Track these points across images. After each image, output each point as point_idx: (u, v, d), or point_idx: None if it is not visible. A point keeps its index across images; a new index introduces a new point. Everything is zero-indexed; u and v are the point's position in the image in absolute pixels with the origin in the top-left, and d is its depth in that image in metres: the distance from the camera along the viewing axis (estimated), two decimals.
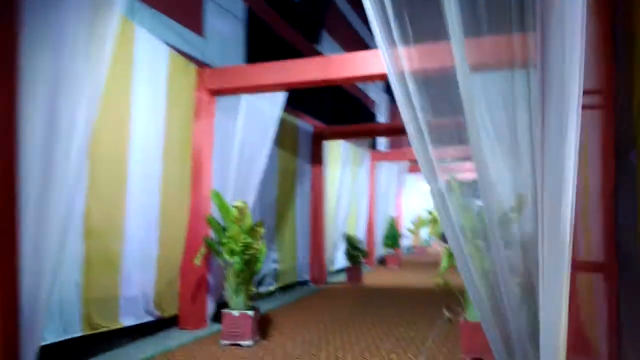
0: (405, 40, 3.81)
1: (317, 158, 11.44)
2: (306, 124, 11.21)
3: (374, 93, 20.25)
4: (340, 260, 12.81)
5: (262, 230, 6.05)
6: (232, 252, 6.04)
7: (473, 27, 3.58)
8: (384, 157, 15.87)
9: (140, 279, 6.05)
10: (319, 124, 11.72)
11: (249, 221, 6.18)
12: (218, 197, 6.44)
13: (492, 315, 3.77)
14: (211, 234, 6.72)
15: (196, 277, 6.76)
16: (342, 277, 12.24)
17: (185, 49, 7.61)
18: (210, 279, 6.98)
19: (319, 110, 12.17)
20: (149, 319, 6.14)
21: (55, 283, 4.24)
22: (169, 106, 6.53)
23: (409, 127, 3.93)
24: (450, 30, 3.49)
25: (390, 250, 15.25)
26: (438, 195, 3.89)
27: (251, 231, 6.01)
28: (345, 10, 17.20)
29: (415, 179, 19.31)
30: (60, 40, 4.14)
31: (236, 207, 6.15)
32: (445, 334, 6.34)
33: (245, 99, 7.43)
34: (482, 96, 3.78)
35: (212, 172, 7.22)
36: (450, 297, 5.78)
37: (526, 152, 3.62)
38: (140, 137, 5.98)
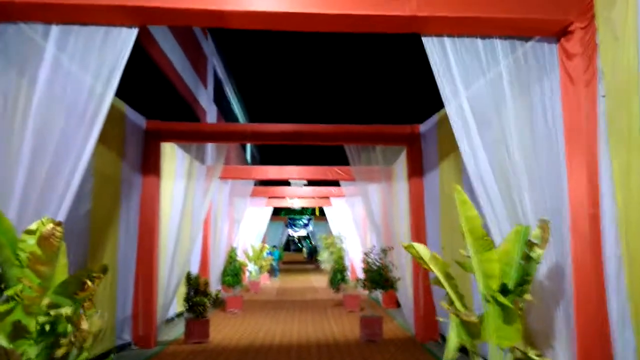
0: None
1: (150, 164, 8.11)
2: (136, 115, 7.86)
3: (205, 102, 17.38)
4: (173, 306, 9.49)
5: (94, 287, 2.84)
6: (19, 333, 2.69)
7: None
8: (229, 174, 12.96)
9: None
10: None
11: (63, 265, 2.90)
12: None
13: None
14: None
15: None
16: (177, 331, 8.93)
17: None
18: None
19: (143, 108, 8.83)
20: None
21: None
22: None
23: None
24: None
25: (235, 290, 12.34)
26: None
27: (69, 287, 2.75)
28: None
29: (253, 202, 16.75)
30: None
31: (33, 232, 2.82)
32: None
33: (53, 53, 4.09)
34: None
35: None
36: None
37: None
38: None
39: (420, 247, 3.44)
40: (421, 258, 3.42)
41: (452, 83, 4.07)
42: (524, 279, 3.23)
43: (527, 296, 3.23)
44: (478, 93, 4.09)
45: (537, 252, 3.27)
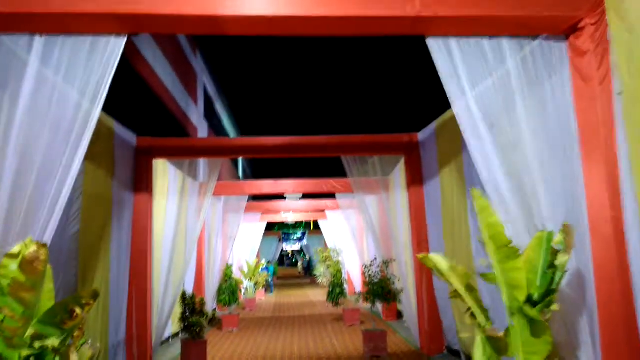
0: None
1: (142, 182, 7.84)
2: (126, 131, 7.61)
3: (196, 119, 17.17)
4: (168, 327, 9.16)
5: (83, 315, 2.57)
6: None
7: None
8: (223, 190, 12.70)
9: None
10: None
11: (49, 291, 2.64)
12: None
13: None
14: None
15: None
16: (173, 353, 8.60)
17: None
18: None
19: (134, 126, 8.52)
20: None
21: None
22: None
23: None
24: None
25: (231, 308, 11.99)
26: None
27: (56, 316, 2.49)
28: None
29: (247, 218, 16.46)
30: None
31: (15, 256, 2.57)
32: None
33: (36, 67, 3.85)
34: None
35: None
36: None
37: None
38: None
39: (437, 258, 3.21)
40: (438, 269, 3.19)
41: (458, 84, 3.89)
42: (550, 289, 3.01)
43: (555, 307, 3.01)
44: (486, 94, 3.91)
45: (561, 259, 3.06)
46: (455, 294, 3.20)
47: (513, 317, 2.92)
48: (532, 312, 2.81)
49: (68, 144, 3.89)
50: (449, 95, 3.92)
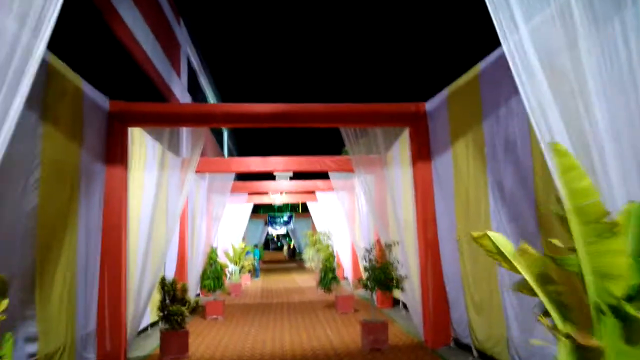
0: None
1: (116, 153, 6.92)
2: (97, 93, 6.66)
3: (179, 92, 16.13)
4: (146, 316, 8.32)
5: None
6: None
7: None
8: (207, 167, 11.79)
9: None
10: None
11: None
12: None
13: None
14: None
15: None
16: (151, 344, 7.78)
17: None
18: None
19: (115, 97, 7.45)
20: None
21: None
22: None
23: None
24: None
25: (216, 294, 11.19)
26: None
27: None
28: None
29: (232, 199, 15.59)
30: None
31: None
32: None
33: None
34: None
35: None
36: None
37: None
38: None
39: (498, 238, 2.41)
40: (500, 253, 2.40)
41: (509, 17, 3.08)
42: None
43: None
44: (543, 29, 3.09)
45: None
46: (523, 286, 2.41)
47: (602, 317, 2.15)
48: (632, 310, 2.05)
49: (4, 83, 2.98)
50: (498, 29, 3.11)
